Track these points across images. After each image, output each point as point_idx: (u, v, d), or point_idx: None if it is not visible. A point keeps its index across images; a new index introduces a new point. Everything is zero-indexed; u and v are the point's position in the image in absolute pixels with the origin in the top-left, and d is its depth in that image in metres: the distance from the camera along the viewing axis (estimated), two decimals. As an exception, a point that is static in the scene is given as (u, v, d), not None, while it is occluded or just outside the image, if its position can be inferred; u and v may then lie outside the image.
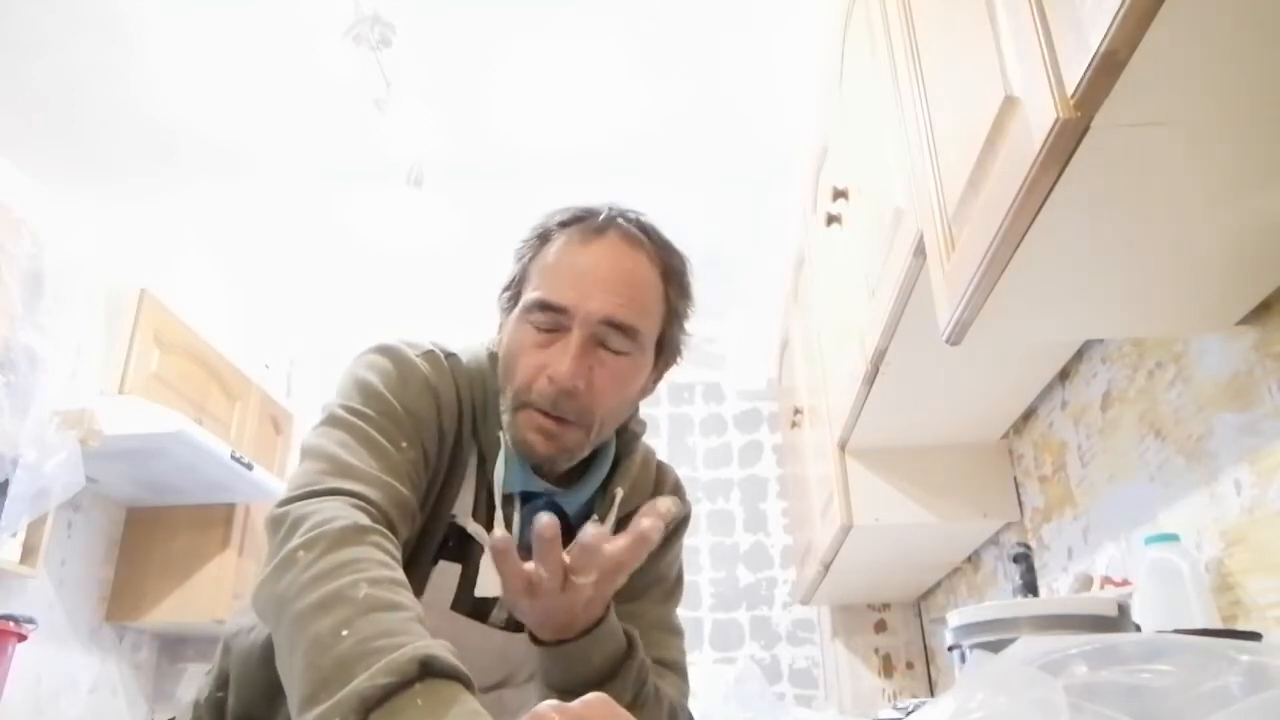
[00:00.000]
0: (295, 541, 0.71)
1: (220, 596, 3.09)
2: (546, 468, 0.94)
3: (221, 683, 0.96)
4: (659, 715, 0.89)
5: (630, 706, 0.83)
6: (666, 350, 0.99)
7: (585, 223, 0.93)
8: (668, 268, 0.95)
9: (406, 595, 0.68)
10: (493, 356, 0.98)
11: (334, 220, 3.13)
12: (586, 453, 0.95)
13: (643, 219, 0.96)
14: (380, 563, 0.70)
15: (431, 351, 0.95)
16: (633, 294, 0.91)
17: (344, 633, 0.61)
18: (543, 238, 0.95)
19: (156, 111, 2.59)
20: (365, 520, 0.74)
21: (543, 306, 0.90)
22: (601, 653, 0.83)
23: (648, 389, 1.01)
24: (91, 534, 3.06)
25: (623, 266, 0.91)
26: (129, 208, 3.03)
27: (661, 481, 1.08)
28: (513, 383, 0.91)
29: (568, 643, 0.82)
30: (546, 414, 0.89)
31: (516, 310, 0.94)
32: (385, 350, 0.93)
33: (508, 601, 0.82)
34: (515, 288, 0.96)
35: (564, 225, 0.94)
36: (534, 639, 0.84)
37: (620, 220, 0.94)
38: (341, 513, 0.74)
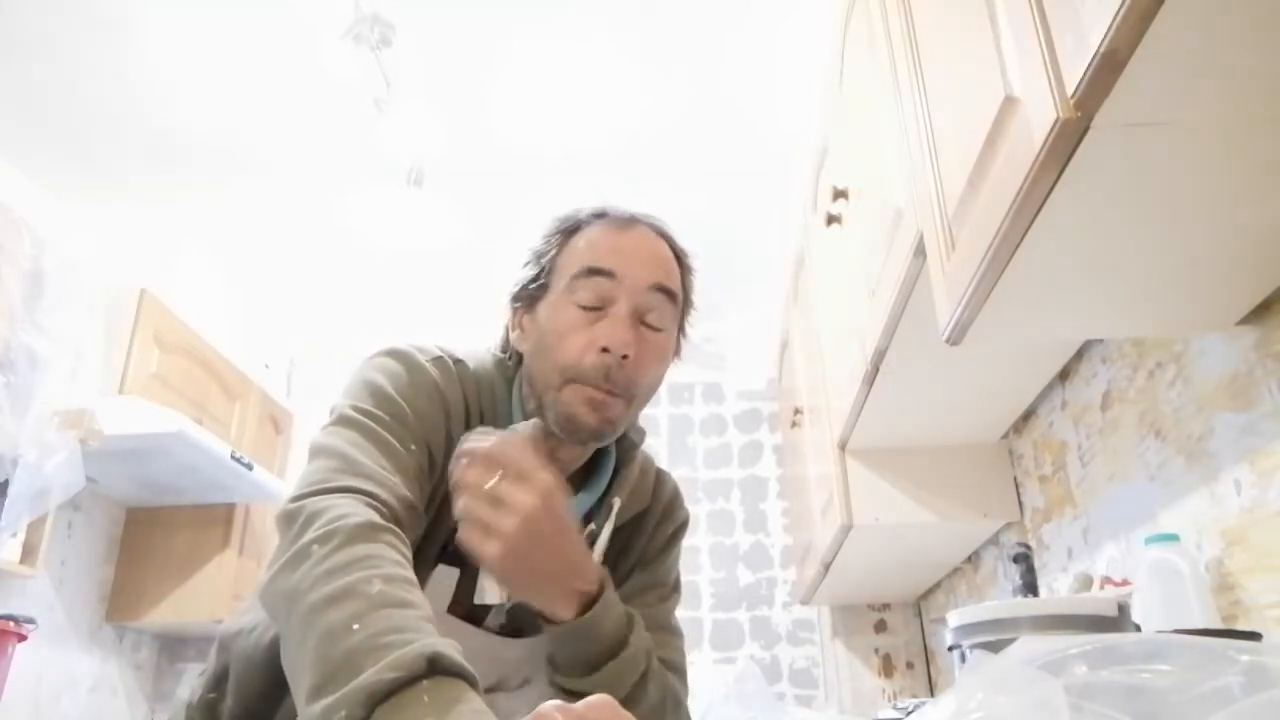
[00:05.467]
0: (310, 536, 0.71)
1: (220, 596, 3.08)
2: (588, 443, 0.96)
3: (215, 684, 0.96)
4: (660, 694, 0.90)
5: (643, 678, 0.86)
6: (680, 339, 1.03)
7: (614, 215, 1.00)
8: (683, 260, 1.03)
9: (417, 594, 0.68)
10: (499, 362, 1.00)
11: (334, 220, 3.13)
12: (620, 431, 0.97)
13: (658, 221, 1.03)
14: (394, 560, 0.71)
15: (441, 358, 0.96)
16: (668, 268, 0.99)
17: (355, 627, 0.62)
18: (568, 231, 1.00)
19: (157, 111, 2.59)
20: (378, 518, 0.75)
21: (592, 272, 0.94)
22: (612, 620, 0.85)
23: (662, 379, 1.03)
24: (91, 534, 3.06)
25: (657, 246, 1.00)
26: (129, 208, 3.02)
27: (659, 489, 1.09)
28: (558, 361, 0.93)
29: (579, 618, 0.83)
30: (596, 386, 0.91)
31: (558, 291, 0.96)
32: (395, 354, 0.94)
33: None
34: (542, 279, 0.99)
35: (593, 217, 1.00)
36: (545, 621, 0.85)
37: (642, 216, 1.02)
38: (355, 509, 0.75)
